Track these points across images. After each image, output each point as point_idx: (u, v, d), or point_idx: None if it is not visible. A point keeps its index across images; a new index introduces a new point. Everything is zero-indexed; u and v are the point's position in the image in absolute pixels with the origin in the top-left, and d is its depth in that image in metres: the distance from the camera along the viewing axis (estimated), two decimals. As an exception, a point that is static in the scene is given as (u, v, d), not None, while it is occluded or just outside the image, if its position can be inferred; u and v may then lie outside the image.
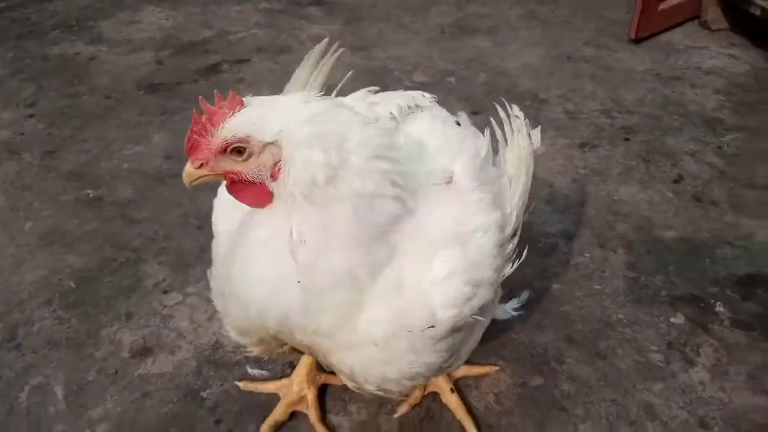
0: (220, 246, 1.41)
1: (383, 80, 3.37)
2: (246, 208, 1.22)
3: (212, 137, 1.11)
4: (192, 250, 2.27)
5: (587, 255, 2.25)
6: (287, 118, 1.12)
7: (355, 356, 1.24)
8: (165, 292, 2.10)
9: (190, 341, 1.93)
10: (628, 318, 2.00)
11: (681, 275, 2.16)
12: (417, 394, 1.71)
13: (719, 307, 2.04)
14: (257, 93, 1.25)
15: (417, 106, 1.51)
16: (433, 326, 1.22)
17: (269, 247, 1.17)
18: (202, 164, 1.14)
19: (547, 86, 3.34)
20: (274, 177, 1.13)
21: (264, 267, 1.18)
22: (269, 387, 1.76)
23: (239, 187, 1.17)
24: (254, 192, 1.16)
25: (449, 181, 1.30)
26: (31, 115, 3.10)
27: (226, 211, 1.37)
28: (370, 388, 1.31)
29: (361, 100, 1.50)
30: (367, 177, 1.12)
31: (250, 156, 1.12)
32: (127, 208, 2.48)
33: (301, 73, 1.60)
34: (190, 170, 1.15)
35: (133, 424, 1.69)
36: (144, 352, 1.90)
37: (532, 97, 3.23)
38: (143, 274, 2.17)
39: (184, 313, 2.03)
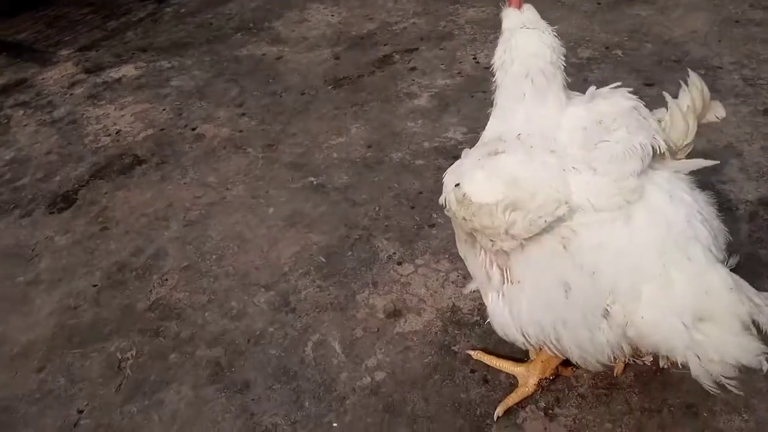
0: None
1: (549, 59, 3.54)
2: None
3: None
4: (411, 228, 2.62)
5: (789, 220, 2.35)
6: (510, 28, 1.71)
7: None
8: (399, 263, 2.46)
9: (431, 305, 2.28)
10: (841, 279, 2.11)
11: None
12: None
13: None
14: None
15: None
16: None
17: None
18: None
19: (718, 53, 3.36)
20: None
21: None
22: (505, 366, 1.98)
23: None
24: None
25: None
26: (243, 114, 3.59)
27: None
28: None
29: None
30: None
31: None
32: (347, 192, 2.86)
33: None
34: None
35: (403, 372, 2.06)
36: (396, 313, 2.27)
37: (705, 65, 3.28)
38: (376, 248, 2.54)
39: (419, 282, 2.37)
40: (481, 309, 2.21)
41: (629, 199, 1.38)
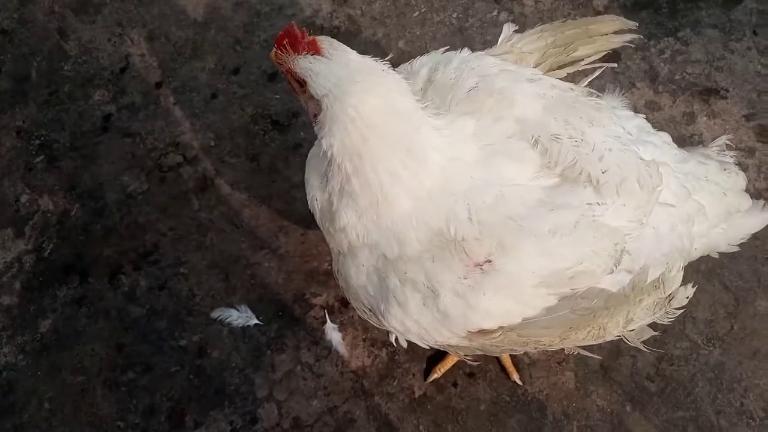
0: None
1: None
2: None
3: (289, 57, 1.14)
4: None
5: None
6: (336, 87, 1.10)
7: None
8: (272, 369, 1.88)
9: (347, 378, 1.86)
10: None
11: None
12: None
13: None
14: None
15: None
16: None
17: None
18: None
19: None
20: (314, 119, 1.20)
21: None
22: (454, 358, 1.79)
23: (296, 94, 1.26)
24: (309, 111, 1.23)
25: None
26: None
27: None
28: None
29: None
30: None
31: (306, 92, 1.17)
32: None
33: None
34: (273, 56, 1.20)
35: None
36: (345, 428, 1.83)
37: None
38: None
39: (310, 377, 1.88)
40: (384, 341, 1.89)
41: (657, 195, 1.25)
